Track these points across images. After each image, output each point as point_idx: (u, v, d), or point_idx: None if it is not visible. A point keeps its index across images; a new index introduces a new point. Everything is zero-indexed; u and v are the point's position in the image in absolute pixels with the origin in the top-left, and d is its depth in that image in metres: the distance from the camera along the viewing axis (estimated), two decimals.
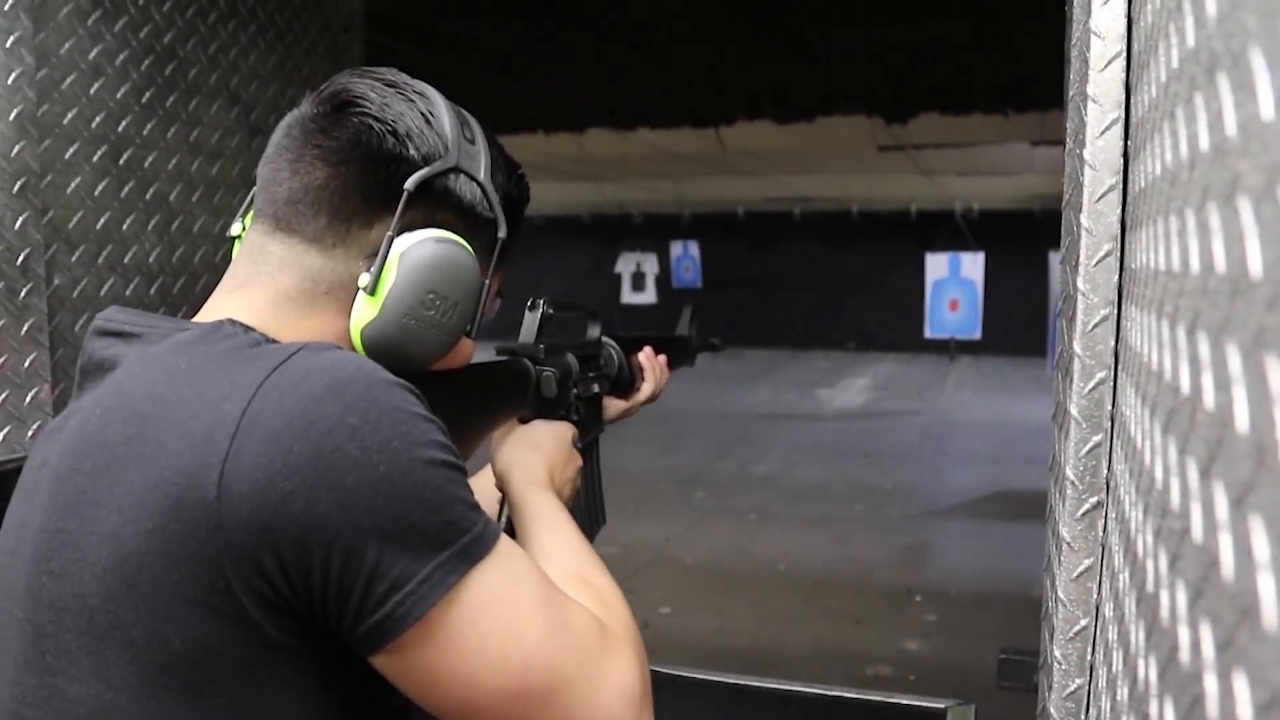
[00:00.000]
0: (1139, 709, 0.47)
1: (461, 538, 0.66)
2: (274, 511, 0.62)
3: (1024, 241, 12.93)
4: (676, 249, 15.54)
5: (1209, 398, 0.36)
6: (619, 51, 4.48)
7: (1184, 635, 0.37)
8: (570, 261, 14.66)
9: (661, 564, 4.95)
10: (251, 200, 0.85)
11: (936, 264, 13.56)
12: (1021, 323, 13.70)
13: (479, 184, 0.83)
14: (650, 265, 15.93)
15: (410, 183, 0.78)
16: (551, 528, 0.91)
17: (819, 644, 3.98)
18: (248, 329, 0.73)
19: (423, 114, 0.81)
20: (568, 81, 5.04)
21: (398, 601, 0.64)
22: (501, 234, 0.86)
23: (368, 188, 0.78)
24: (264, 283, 0.78)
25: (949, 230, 13.92)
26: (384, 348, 0.78)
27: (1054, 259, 9.44)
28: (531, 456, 1.01)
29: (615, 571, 0.89)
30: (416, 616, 0.64)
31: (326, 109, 0.80)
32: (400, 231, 0.78)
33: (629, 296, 15.74)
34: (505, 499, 0.99)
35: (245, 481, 0.62)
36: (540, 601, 0.70)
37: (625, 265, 16.03)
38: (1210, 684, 0.32)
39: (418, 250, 0.78)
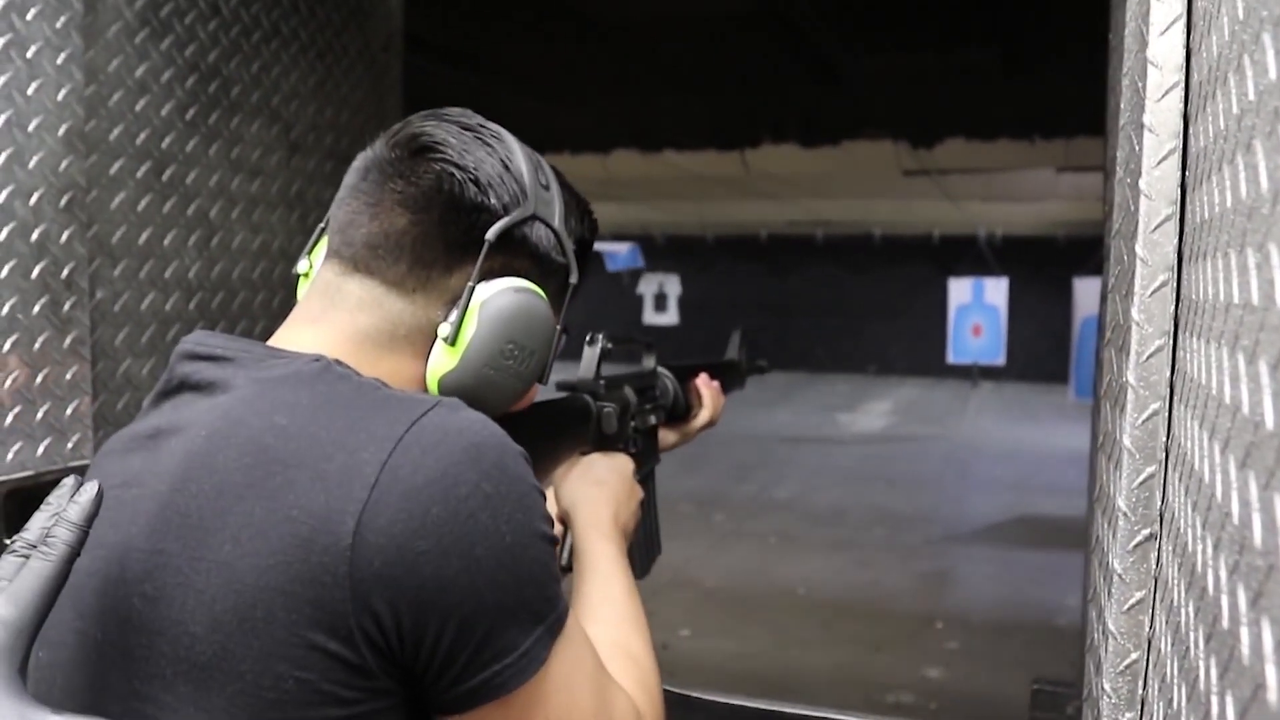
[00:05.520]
0: None
1: (552, 613, 0.68)
2: (406, 570, 0.62)
3: (1048, 267, 12.89)
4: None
5: None
6: (646, 74, 4.51)
7: (1272, 674, 0.37)
8: (592, 282, 14.66)
9: (681, 586, 4.93)
10: (316, 238, 0.85)
11: (960, 289, 13.52)
12: (1045, 349, 13.63)
13: (554, 231, 0.83)
14: (673, 286, 15.96)
15: (491, 233, 0.77)
16: (606, 582, 0.92)
17: (839, 669, 3.95)
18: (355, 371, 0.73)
19: (501, 160, 0.80)
20: (594, 103, 5.07)
21: (496, 671, 0.65)
22: (573, 279, 0.86)
23: (449, 236, 0.77)
24: (342, 319, 0.78)
25: (972, 255, 13.90)
26: (461, 396, 0.77)
27: (1078, 285, 9.37)
28: (595, 493, 1.01)
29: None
30: (512, 688, 0.65)
31: (404, 153, 0.78)
32: (479, 280, 0.78)
33: (651, 317, 15.77)
34: (566, 536, 0.99)
35: (382, 535, 0.62)
36: (592, 689, 0.73)
37: (647, 286, 16.07)
38: None
39: (498, 300, 0.78)
